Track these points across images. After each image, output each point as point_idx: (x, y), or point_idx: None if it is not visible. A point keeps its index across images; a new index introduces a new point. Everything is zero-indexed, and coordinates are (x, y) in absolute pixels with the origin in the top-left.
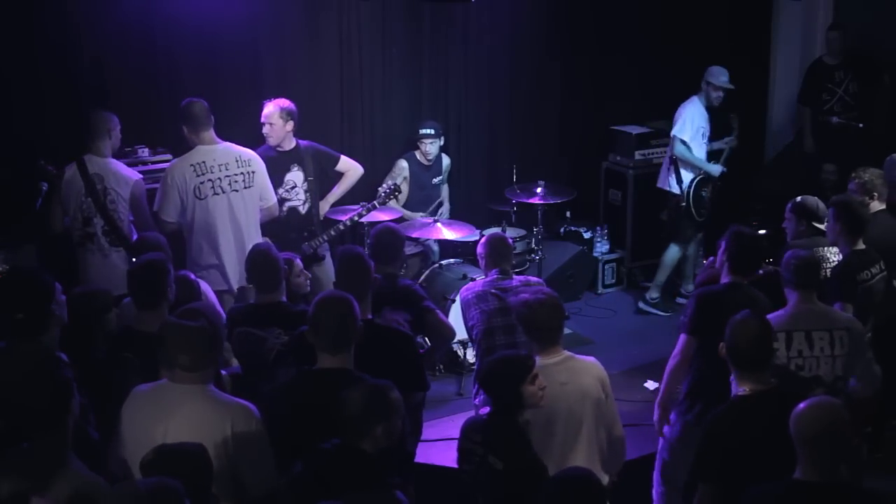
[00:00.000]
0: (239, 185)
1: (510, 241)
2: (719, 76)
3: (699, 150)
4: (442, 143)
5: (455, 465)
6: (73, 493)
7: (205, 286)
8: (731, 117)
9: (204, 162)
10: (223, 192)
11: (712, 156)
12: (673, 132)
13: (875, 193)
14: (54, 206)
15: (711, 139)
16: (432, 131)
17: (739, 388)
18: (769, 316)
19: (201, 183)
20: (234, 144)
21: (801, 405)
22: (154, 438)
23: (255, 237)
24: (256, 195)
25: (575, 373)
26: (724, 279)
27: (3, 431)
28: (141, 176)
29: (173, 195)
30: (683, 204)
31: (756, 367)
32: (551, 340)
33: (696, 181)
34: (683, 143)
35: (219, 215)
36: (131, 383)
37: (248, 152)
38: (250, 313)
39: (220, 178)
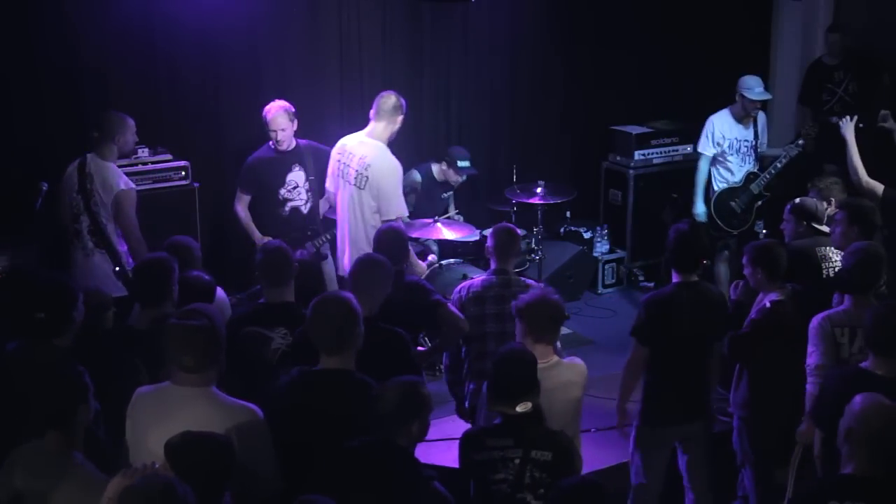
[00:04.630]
0: (354, 182)
1: (517, 231)
2: (753, 88)
3: (738, 164)
4: None
5: (454, 466)
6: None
7: (220, 293)
8: (812, 125)
9: (346, 145)
10: (343, 178)
11: (766, 162)
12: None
13: (832, 199)
14: (58, 200)
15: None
16: (469, 164)
17: (675, 278)
18: (832, 312)
19: (338, 161)
20: (377, 147)
21: (861, 400)
22: (158, 442)
23: (361, 237)
24: (369, 199)
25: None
26: (675, 279)
27: (14, 428)
28: (133, 186)
29: (330, 166)
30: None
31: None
32: (546, 342)
33: (722, 190)
34: (703, 156)
35: (341, 199)
36: (135, 383)
37: (377, 160)
38: (258, 313)
39: (347, 166)
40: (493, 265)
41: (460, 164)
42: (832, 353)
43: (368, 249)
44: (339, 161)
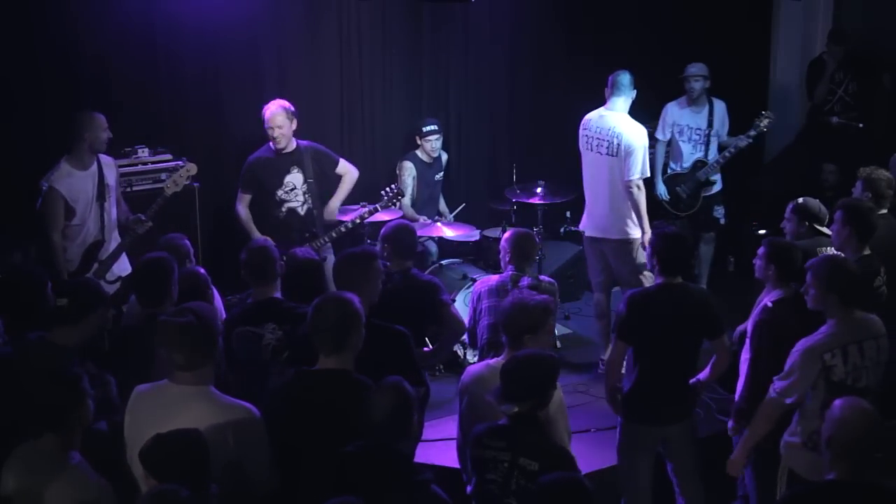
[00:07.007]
0: (602, 150)
1: (537, 239)
2: (688, 68)
3: (689, 151)
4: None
5: (453, 466)
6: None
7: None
8: (763, 115)
9: (591, 119)
10: (591, 150)
11: (720, 150)
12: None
13: (876, 195)
14: None
15: (731, 134)
16: (436, 127)
17: (657, 279)
18: (820, 333)
19: (583, 136)
20: (622, 116)
21: (841, 405)
22: None
23: (609, 202)
24: (618, 165)
25: None
26: (658, 280)
27: (10, 427)
28: (52, 185)
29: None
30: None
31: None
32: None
33: (668, 176)
34: (658, 141)
35: (589, 169)
36: (134, 381)
37: (626, 127)
38: (246, 312)
39: (593, 138)
40: (510, 268)
41: (425, 128)
42: (808, 384)
43: (627, 212)
44: (584, 136)
